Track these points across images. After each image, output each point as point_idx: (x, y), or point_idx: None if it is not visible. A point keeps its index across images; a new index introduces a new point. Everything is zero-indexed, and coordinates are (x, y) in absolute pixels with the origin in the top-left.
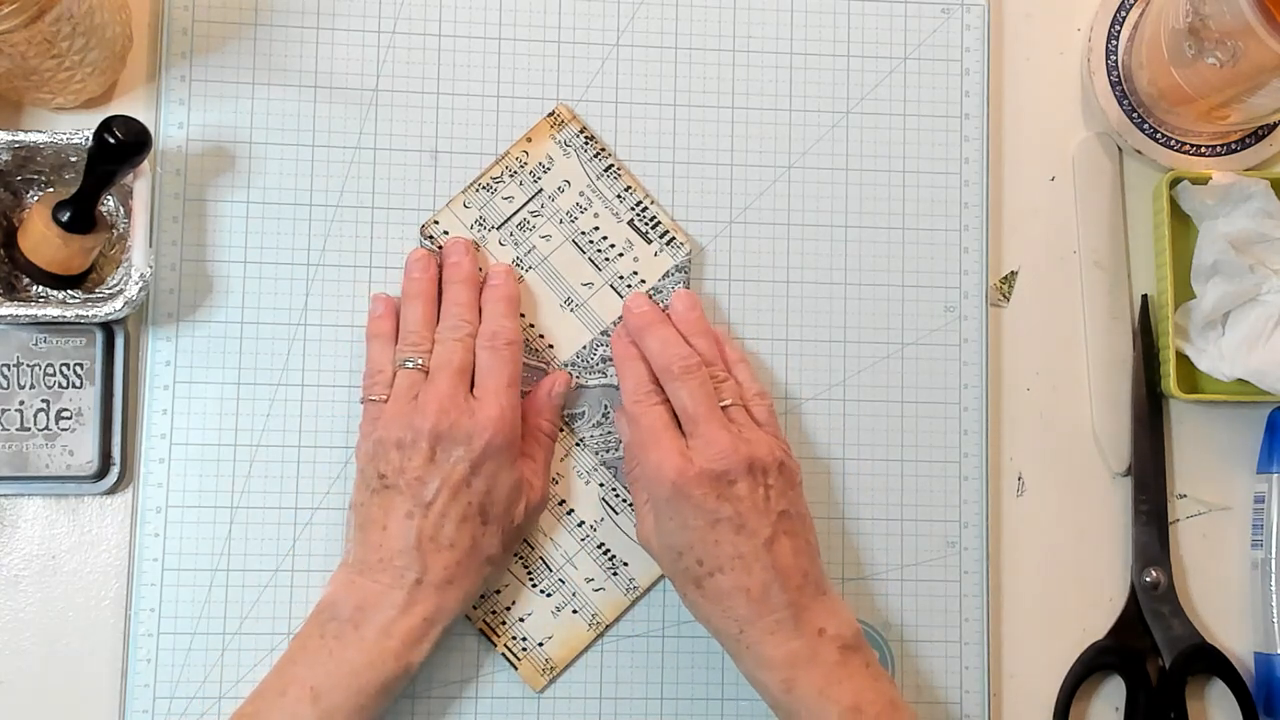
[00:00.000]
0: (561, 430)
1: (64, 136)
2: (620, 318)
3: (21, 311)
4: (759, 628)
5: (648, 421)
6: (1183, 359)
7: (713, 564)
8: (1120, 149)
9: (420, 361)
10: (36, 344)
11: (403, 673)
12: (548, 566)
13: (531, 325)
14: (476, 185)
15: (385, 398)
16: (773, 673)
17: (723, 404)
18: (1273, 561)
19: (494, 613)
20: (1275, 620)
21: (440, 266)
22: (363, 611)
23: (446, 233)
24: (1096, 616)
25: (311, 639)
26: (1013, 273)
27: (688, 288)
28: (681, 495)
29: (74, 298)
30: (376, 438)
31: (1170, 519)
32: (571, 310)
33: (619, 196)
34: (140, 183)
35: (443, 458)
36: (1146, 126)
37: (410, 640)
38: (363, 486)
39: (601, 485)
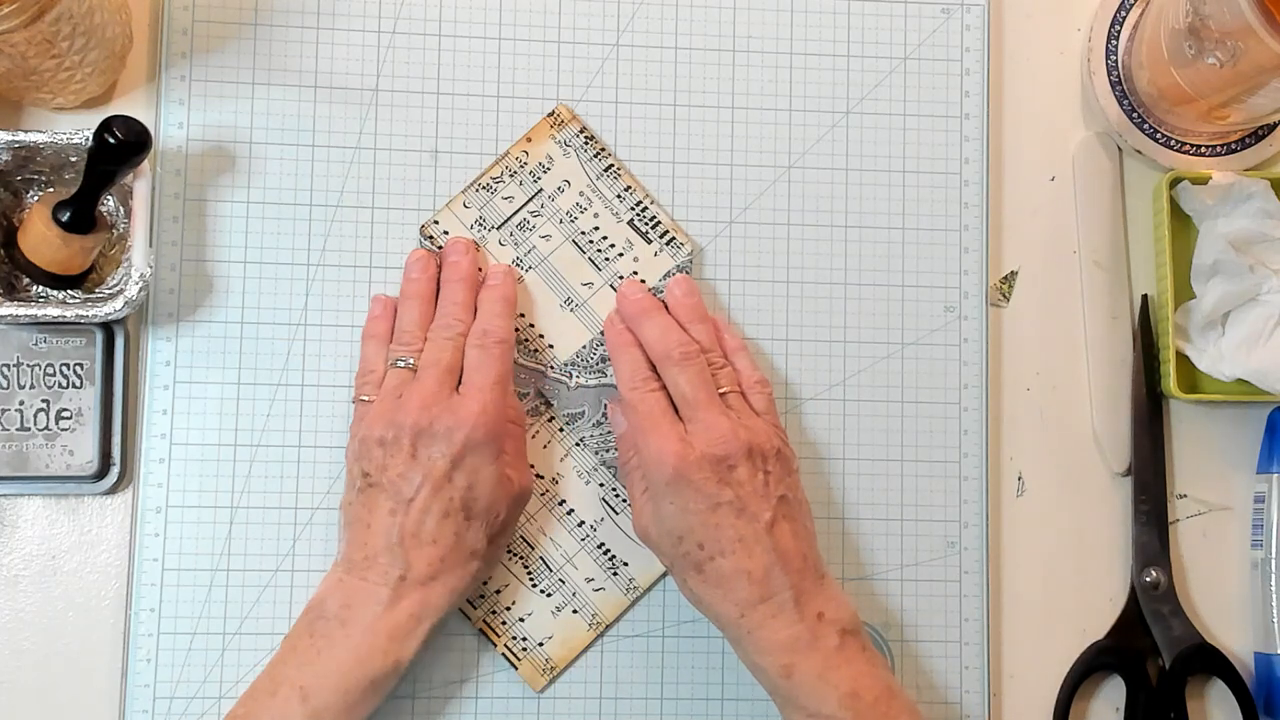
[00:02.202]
0: (541, 418)
1: (64, 136)
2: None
3: (21, 311)
4: (761, 611)
5: (646, 408)
6: (1183, 359)
7: (714, 548)
8: (1120, 149)
9: (411, 361)
10: (36, 344)
11: (391, 670)
12: (548, 566)
13: (531, 325)
14: (476, 185)
15: (373, 398)
16: (773, 657)
17: (720, 391)
18: (1273, 561)
19: (494, 613)
20: (1275, 620)
21: (440, 266)
22: (350, 609)
23: (446, 233)
24: (1096, 616)
25: (301, 639)
26: (1013, 273)
27: None
28: (682, 479)
29: (74, 298)
30: (361, 436)
31: (1170, 519)
32: (571, 310)
33: (619, 196)
34: (140, 183)
35: (424, 454)
36: (1146, 126)
37: (397, 637)
38: (350, 486)
39: (601, 485)
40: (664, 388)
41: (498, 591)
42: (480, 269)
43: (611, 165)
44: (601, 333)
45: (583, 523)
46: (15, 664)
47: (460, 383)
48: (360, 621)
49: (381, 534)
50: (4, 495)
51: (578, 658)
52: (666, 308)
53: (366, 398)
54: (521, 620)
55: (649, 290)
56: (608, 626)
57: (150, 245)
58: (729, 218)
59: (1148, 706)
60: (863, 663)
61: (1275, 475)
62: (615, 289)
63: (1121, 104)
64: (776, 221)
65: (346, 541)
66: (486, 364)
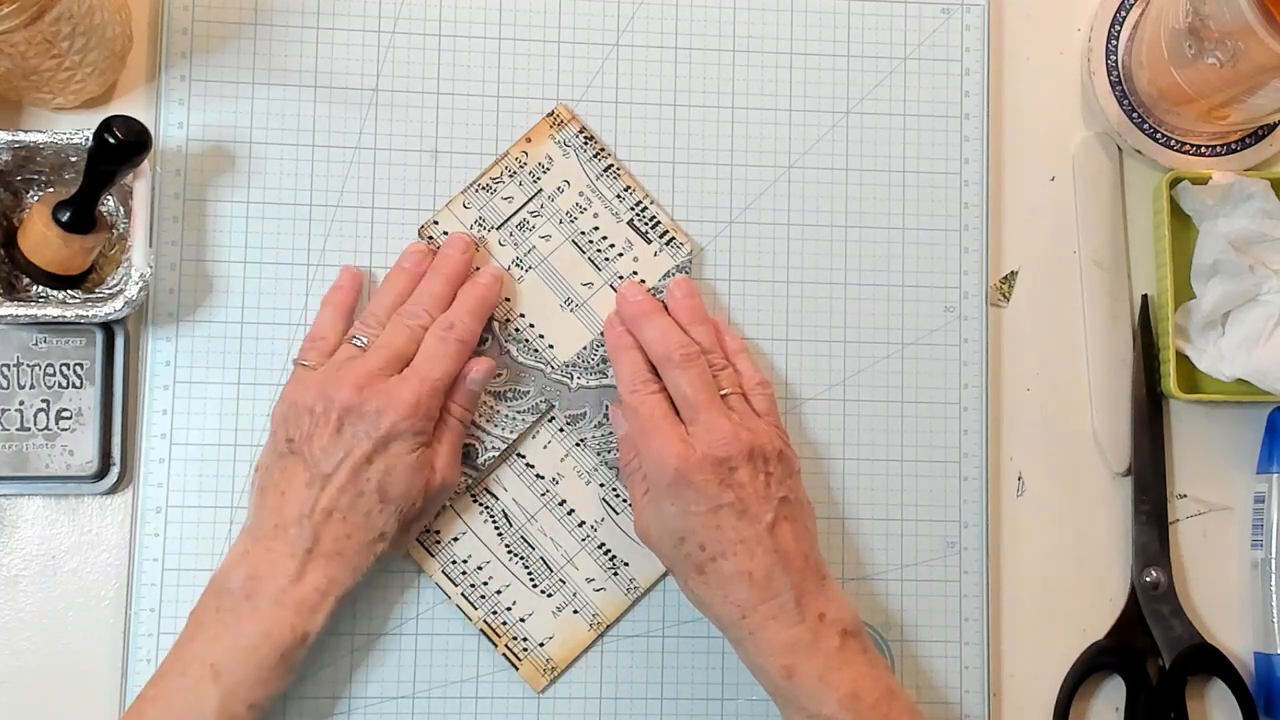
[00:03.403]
0: (542, 418)
1: (64, 136)
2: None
3: (21, 311)
4: (761, 612)
5: (647, 410)
6: (1183, 359)
7: (715, 549)
8: (1120, 149)
9: (365, 341)
10: (36, 344)
11: (299, 642)
12: (548, 567)
13: (532, 325)
14: (476, 185)
15: (316, 365)
16: (774, 658)
17: (722, 393)
18: (1273, 561)
19: (494, 613)
20: (1275, 620)
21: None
22: (255, 581)
23: (446, 233)
24: (1096, 616)
25: (207, 614)
26: (1013, 273)
27: None
28: (683, 481)
29: (74, 298)
30: (292, 400)
31: (1170, 519)
32: (571, 310)
33: (619, 196)
34: (140, 183)
35: (349, 432)
36: (1146, 126)
37: (304, 609)
38: (270, 449)
39: (602, 485)
40: (664, 389)
41: (498, 592)
42: (476, 269)
43: (611, 165)
44: (602, 333)
45: (583, 523)
46: (15, 664)
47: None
48: (266, 594)
49: (295, 505)
50: (4, 495)
51: (578, 658)
52: (666, 309)
53: (306, 363)
54: (522, 620)
55: (649, 291)
56: (608, 626)
57: (150, 245)
58: (729, 218)
59: (1148, 706)
60: (863, 664)
61: (1275, 475)
62: (615, 289)
63: (1121, 104)
64: (776, 221)
65: (257, 507)
66: (439, 357)
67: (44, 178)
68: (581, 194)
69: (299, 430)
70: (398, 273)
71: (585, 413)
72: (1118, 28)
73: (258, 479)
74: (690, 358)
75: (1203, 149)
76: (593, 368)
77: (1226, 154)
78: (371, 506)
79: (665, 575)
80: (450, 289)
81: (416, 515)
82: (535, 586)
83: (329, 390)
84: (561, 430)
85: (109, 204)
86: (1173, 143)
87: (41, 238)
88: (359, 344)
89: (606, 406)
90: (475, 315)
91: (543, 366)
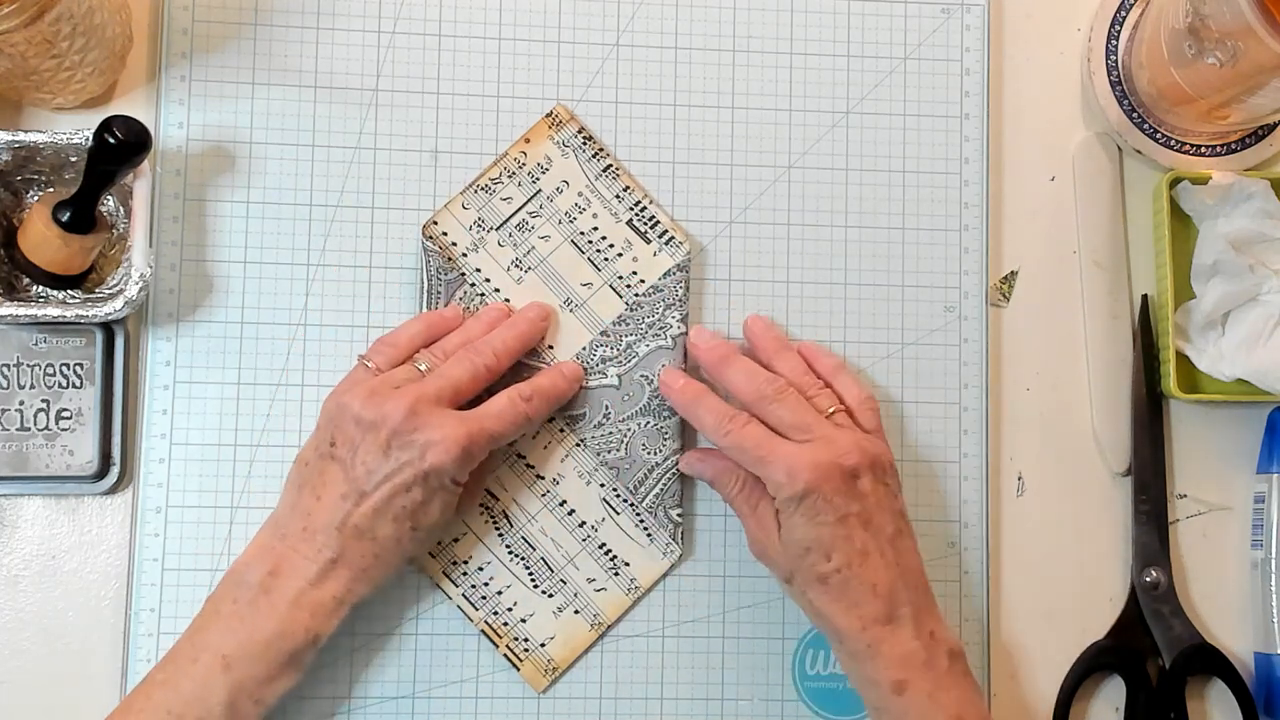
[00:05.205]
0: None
1: (64, 136)
2: (619, 322)
3: (21, 311)
4: (883, 626)
5: (753, 437)
6: (1183, 359)
7: (841, 559)
8: (1120, 149)
9: (426, 367)
10: (36, 344)
11: (310, 644)
12: (549, 567)
13: None
14: (475, 186)
15: (377, 370)
16: (889, 673)
17: (826, 413)
18: (1273, 561)
19: (495, 614)
20: (1275, 620)
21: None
22: (275, 578)
23: (445, 233)
24: (1096, 616)
25: (224, 603)
26: (1013, 273)
27: (687, 288)
28: (813, 491)
29: (74, 298)
30: (344, 402)
31: (1170, 519)
32: (571, 311)
33: (618, 196)
34: (140, 183)
35: (394, 455)
36: (1146, 126)
37: (320, 614)
38: (314, 445)
39: (602, 486)
40: (755, 419)
41: (499, 593)
42: (543, 338)
43: (610, 165)
44: (601, 333)
45: (584, 523)
46: (15, 664)
47: (463, 405)
48: (285, 593)
49: (327, 512)
50: (4, 495)
51: (579, 658)
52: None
53: (370, 363)
54: (523, 621)
55: (716, 337)
56: (609, 627)
57: (150, 245)
58: (729, 218)
59: (1148, 706)
60: (968, 687)
61: (1275, 475)
62: (615, 289)
63: (1121, 104)
64: (776, 221)
65: (290, 505)
66: (506, 419)
67: (44, 178)
68: (580, 194)
69: (343, 436)
70: (474, 322)
71: (585, 413)
72: (1118, 28)
73: (296, 472)
74: (782, 390)
75: (1203, 149)
76: (592, 368)
77: (1226, 154)
78: (403, 534)
79: (665, 575)
80: (521, 346)
81: (434, 542)
82: (536, 587)
83: (381, 404)
84: (561, 430)
85: (109, 204)
86: (1173, 143)
87: (41, 238)
88: (421, 369)
89: (606, 407)
90: (550, 404)
91: (543, 367)
